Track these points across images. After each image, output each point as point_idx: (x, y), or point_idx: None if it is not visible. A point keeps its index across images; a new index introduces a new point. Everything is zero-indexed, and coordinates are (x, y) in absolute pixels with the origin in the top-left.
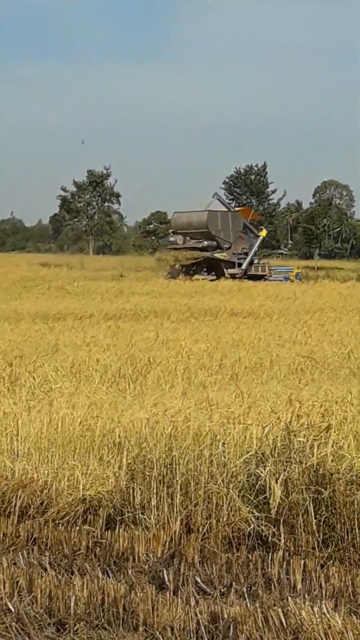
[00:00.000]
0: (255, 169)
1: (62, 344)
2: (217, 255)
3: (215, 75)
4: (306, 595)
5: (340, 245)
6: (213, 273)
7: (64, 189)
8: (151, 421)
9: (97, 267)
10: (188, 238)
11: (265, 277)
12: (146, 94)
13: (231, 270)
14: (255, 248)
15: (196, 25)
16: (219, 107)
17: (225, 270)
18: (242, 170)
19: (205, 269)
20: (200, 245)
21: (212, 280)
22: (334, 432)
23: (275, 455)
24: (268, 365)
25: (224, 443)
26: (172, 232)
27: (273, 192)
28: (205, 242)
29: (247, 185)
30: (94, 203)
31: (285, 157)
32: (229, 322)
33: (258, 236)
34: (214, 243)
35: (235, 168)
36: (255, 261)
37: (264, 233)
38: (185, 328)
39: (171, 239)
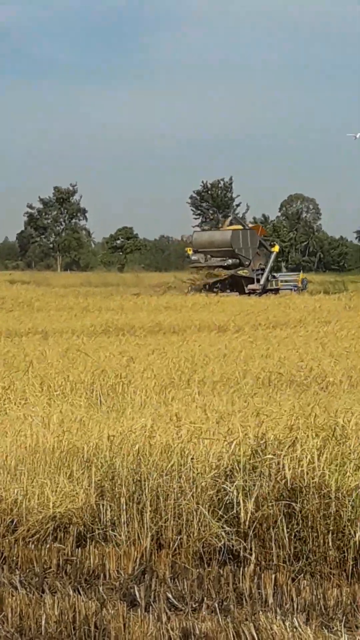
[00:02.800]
0: (222, 182)
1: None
2: (240, 272)
3: (182, 95)
4: (277, 610)
5: (307, 258)
6: (235, 289)
7: (30, 206)
8: (118, 438)
9: (65, 284)
10: (209, 256)
11: (278, 290)
12: (111, 112)
13: (251, 286)
14: (270, 263)
15: (161, 47)
16: (186, 125)
17: (245, 286)
18: (208, 185)
19: (228, 286)
20: (225, 264)
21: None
22: (300, 446)
23: (244, 470)
24: (235, 380)
25: (192, 458)
26: (193, 250)
27: (238, 205)
28: (230, 261)
29: (214, 199)
30: (61, 220)
31: (252, 173)
32: (199, 336)
33: (271, 252)
34: (237, 261)
35: (202, 182)
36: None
37: (276, 248)
38: (151, 344)
39: (193, 257)
